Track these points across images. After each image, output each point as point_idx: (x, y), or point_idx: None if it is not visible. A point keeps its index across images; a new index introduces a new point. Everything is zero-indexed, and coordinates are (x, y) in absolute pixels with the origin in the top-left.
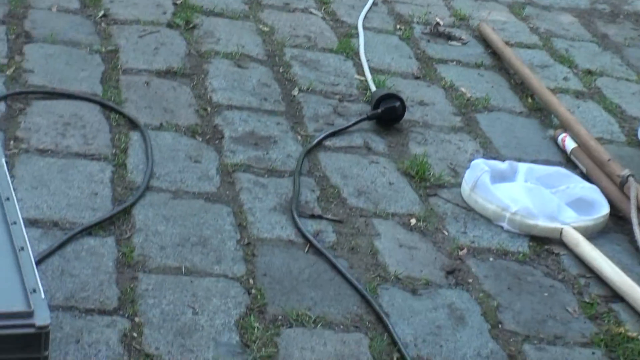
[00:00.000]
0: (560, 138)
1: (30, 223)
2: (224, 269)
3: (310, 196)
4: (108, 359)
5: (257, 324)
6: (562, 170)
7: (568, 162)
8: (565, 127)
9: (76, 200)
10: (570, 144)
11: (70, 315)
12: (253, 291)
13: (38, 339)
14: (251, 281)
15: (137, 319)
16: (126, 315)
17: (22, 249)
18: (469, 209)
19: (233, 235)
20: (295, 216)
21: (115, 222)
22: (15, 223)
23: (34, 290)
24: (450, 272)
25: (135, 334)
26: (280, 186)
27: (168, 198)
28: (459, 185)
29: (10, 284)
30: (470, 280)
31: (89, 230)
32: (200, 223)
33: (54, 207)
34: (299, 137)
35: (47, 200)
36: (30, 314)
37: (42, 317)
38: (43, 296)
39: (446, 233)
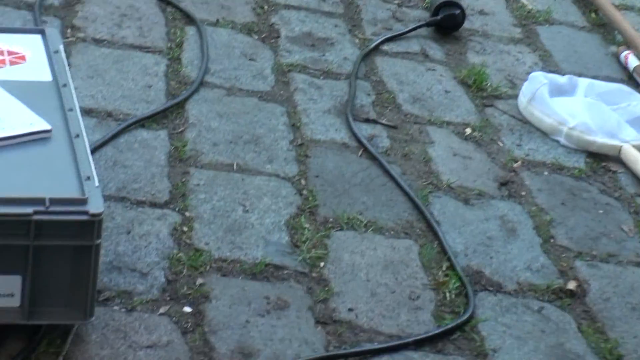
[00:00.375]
0: (623, 55)
1: (85, 112)
2: (276, 169)
3: (365, 100)
4: (158, 252)
5: (307, 225)
6: (624, 87)
7: (630, 79)
8: (629, 45)
9: (130, 92)
10: (633, 62)
11: (122, 206)
12: (304, 192)
13: (91, 227)
14: (303, 182)
15: (187, 214)
16: (177, 209)
17: (78, 136)
18: (525, 121)
19: (286, 135)
20: (350, 119)
21: (168, 115)
22: (71, 110)
23: (88, 178)
24: (503, 184)
25: (185, 228)
26: (336, 88)
27: (222, 94)
28: (516, 97)
29: (65, 170)
30: (523, 193)
31: (142, 123)
32: (253, 121)
33: (108, 98)
34: (357, 40)
35: (102, 90)
36: (84, 201)
37: (95, 205)
38: (97, 184)
39: (501, 144)
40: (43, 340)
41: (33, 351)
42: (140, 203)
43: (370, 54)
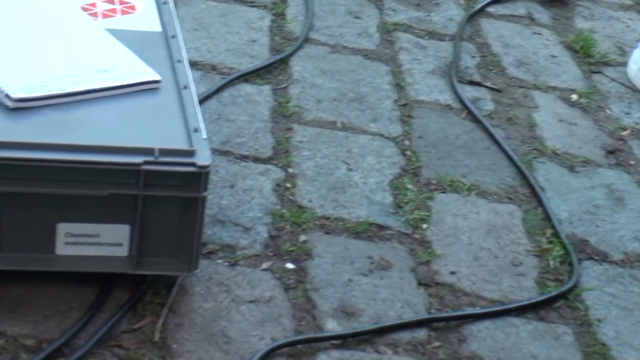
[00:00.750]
0: None
1: (190, 65)
2: (380, 128)
3: (469, 62)
4: (261, 207)
5: (410, 186)
6: None
7: None
8: None
9: (235, 46)
10: None
11: (226, 160)
12: (408, 153)
13: (198, 179)
14: (407, 142)
15: (291, 170)
16: (280, 165)
17: (186, 87)
18: (635, 89)
19: (390, 95)
20: (454, 81)
21: (272, 71)
22: (179, 61)
23: (196, 130)
24: (610, 152)
25: (288, 185)
26: (440, 49)
27: (326, 52)
28: (625, 64)
29: (173, 121)
30: (632, 162)
31: (246, 77)
32: (357, 79)
33: (213, 51)
34: (462, 1)
35: (206, 43)
36: (191, 153)
37: (203, 157)
38: (205, 136)
39: (609, 112)
40: (148, 291)
41: (139, 301)
42: (243, 158)
43: (475, 15)
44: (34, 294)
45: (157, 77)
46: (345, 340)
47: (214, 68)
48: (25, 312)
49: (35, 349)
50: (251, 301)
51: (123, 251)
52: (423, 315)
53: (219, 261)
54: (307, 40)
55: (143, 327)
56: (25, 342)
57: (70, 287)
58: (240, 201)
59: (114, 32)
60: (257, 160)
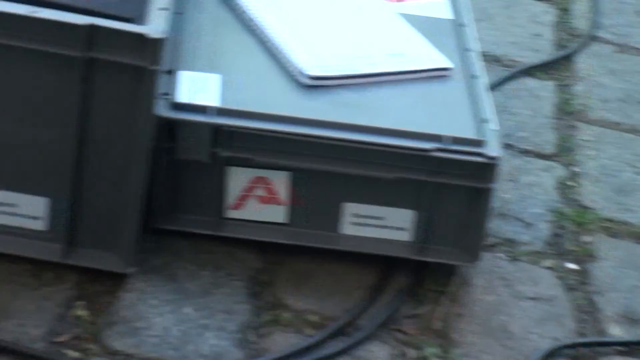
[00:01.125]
0: None
1: None
2: None
3: None
4: (543, 203)
5: None
6: None
7: None
8: None
9: (519, 39)
10: None
11: (507, 154)
12: None
13: (487, 170)
14: None
15: (574, 169)
16: (563, 163)
17: (476, 77)
18: None
19: None
20: None
21: (556, 66)
22: (469, 50)
23: (486, 120)
24: None
25: (571, 183)
26: None
27: (612, 51)
28: None
29: (461, 110)
30: None
31: (529, 71)
32: None
33: (496, 42)
34: None
35: (490, 34)
36: (481, 143)
37: (493, 148)
38: (495, 127)
39: None
40: (428, 278)
41: (419, 287)
42: (525, 152)
43: None
44: (318, 271)
45: (449, 65)
46: (630, 347)
47: (497, 60)
48: (310, 288)
49: (318, 326)
50: (532, 298)
51: (406, 236)
52: None
53: (500, 255)
54: (593, 38)
55: (423, 313)
56: (309, 318)
57: (353, 268)
58: (522, 196)
59: (404, 16)
60: (539, 156)
